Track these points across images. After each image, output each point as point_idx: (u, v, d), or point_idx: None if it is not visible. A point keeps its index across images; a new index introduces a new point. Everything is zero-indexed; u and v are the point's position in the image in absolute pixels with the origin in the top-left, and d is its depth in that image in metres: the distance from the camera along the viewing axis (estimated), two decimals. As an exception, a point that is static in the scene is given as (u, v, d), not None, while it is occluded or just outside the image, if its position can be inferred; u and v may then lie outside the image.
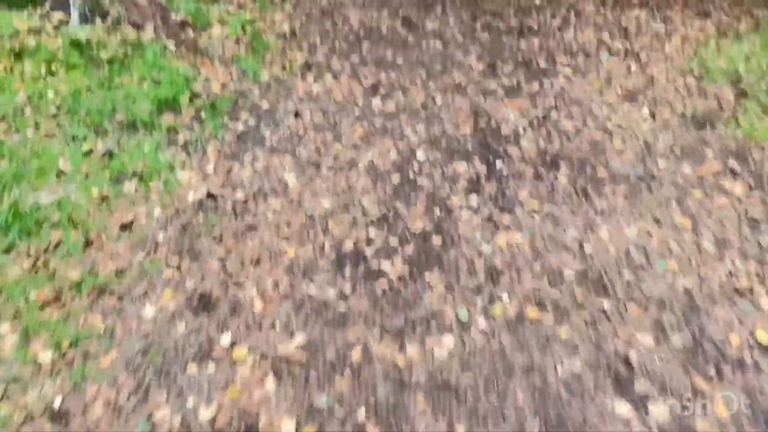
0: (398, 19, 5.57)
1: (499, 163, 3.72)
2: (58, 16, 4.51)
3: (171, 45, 4.44)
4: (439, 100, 4.35)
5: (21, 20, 4.41)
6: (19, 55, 4.08)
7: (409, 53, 4.97)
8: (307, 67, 4.68)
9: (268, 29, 5.17)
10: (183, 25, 4.76)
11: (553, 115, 4.18)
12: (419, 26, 5.45)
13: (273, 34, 5.12)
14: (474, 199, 3.42)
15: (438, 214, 3.30)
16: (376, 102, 4.31)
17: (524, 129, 4.04)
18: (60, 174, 3.24)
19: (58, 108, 3.70)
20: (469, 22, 5.59)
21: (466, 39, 5.26)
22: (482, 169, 3.67)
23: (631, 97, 4.36)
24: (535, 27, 5.49)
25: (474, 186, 3.53)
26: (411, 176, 3.60)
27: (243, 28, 5.01)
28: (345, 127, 4.01)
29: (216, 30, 4.90)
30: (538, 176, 3.60)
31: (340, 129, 4.00)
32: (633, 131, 3.96)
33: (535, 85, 4.56)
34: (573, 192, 3.46)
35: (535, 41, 5.24)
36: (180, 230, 3.03)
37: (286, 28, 5.24)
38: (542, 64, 4.87)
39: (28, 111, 3.64)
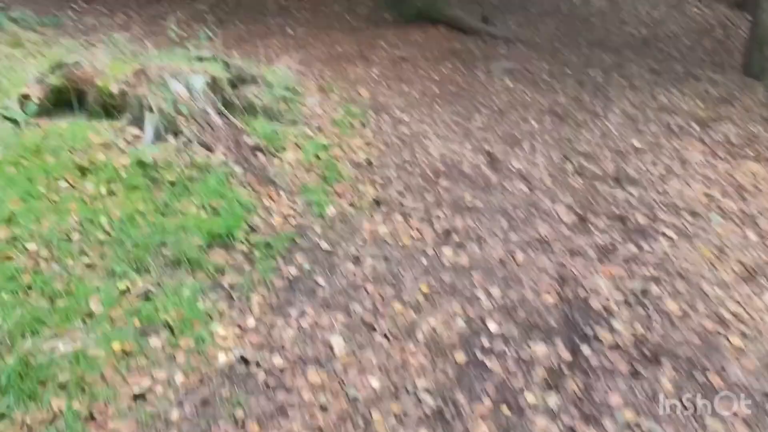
0: (482, 154, 5.20)
1: (586, 349, 3.12)
2: (133, 131, 4.44)
3: (238, 170, 4.23)
4: (519, 257, 3.83)
5: (96, 133, 4.37)
6: (83, 171, 3.98)
7: (491, 196, 4.53)
8: (377, 203, 4.32)
9: (344, 156, 4.92)
10: (255, 149, 4.59)
11: (654, 289, 3.56)
12: (504, 164, 5.04)
13: (348, 161, 4.85)
14: (553, 398, 2.81)
15: (507, 414, 2.71)
16: (447, 252, 3.85)
17: (618, 305, 3.43)
18: (87, 317, 2.93)
19: (107, 235, 3.48)
20: (560, 163, 5.13)
21: (555, 183, 4.78)
22: (566, 354, 3.08)
23: (751, 276, 3.67)
24: (634, 175, 4.95)
25: (554, 378, 2.93)
26: (479, 355, 3.06)
27: (317, 154, 4.79)
28: (408, 281, 3.56)
29: (289, 155, 4.69)
30: (634, 374, 2.96)
31: (403, 283, 3.54)
32: (756, 326, 3.26)
33: (633, 248, 3.97)
34: (679, 403, 2.79)
35: (634, 192, 4.68)
36: (198, 407, 2.59)
37: (362, 156, 4.97)
38: (641, 220, 4.29)
39: (75, 236, 3.43)
